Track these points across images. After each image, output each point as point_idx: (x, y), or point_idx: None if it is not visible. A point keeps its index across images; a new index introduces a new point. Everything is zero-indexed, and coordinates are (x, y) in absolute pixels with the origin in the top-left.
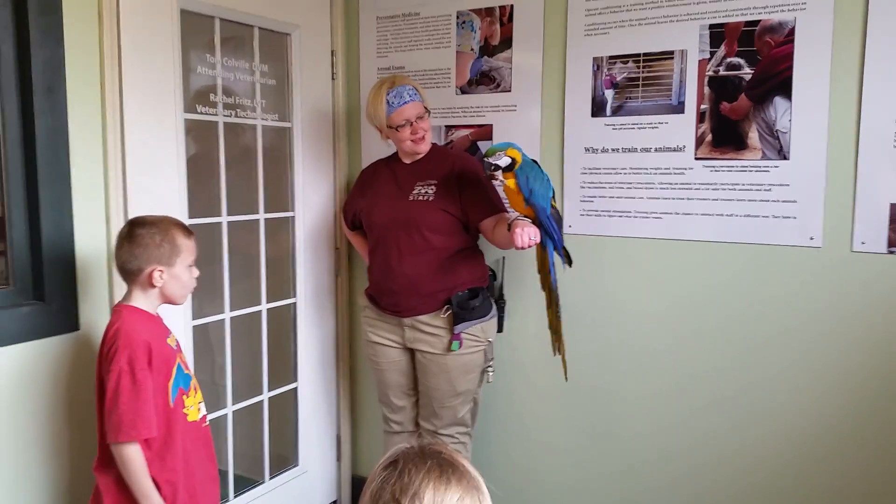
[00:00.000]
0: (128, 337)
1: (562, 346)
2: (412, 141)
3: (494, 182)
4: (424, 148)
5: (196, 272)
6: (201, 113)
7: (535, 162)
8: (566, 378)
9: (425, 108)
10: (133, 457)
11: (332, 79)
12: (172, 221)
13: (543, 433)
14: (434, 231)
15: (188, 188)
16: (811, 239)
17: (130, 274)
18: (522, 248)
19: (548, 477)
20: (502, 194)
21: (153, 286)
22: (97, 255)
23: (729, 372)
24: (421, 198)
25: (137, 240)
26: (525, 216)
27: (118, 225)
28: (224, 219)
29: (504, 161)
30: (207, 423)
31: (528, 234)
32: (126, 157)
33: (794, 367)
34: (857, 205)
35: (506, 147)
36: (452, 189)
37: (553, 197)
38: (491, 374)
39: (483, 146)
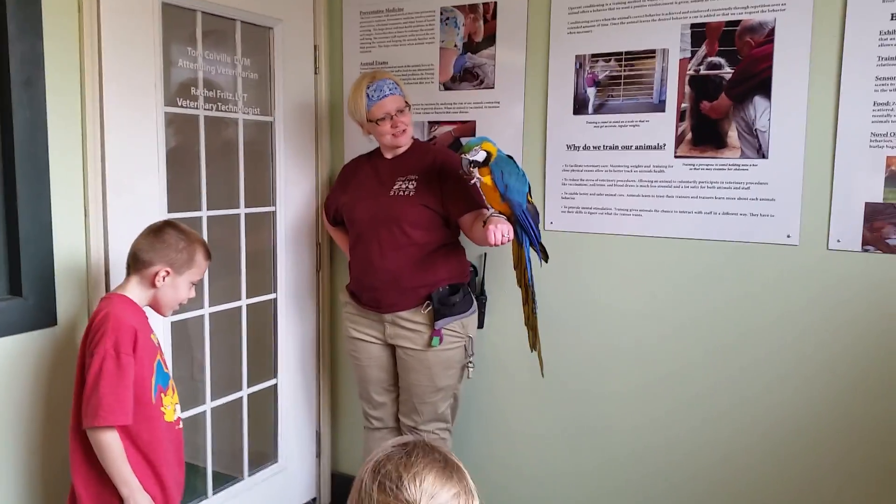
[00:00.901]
0: (117, 321)
1: (538, 342)
2: (392, 135)
3: (473, 182)
4: (405, 141)
5: (192, 294)
6: (182, 107)
7: (510, 157)
8: (542, 374)
9: (406, 102)
10: (110, 443)
11: (315, 73)
12: (200, 240)
13: (524, 428)
14: (415, 226)
15: (168, 182)
16: (788, 237)
17: (138, 264)
18: (496, 245)
19: (529, 472)
20: (481, 192)
21: (154, 286)
22: (75, 249)
23: (706, 368)
24: (402, 193)
25: (163, 237)
26: (501, 212)
27: (97, 218)
28: (204, 213)
29: (481, 156)
30: (181, 425)
31: (501, 231)
32: (105, 150)
33: (771, 362)
34: (833, 203)
35: (480, 141)
36: (434, 184)
37: (529, 192)
38: (471, 369)
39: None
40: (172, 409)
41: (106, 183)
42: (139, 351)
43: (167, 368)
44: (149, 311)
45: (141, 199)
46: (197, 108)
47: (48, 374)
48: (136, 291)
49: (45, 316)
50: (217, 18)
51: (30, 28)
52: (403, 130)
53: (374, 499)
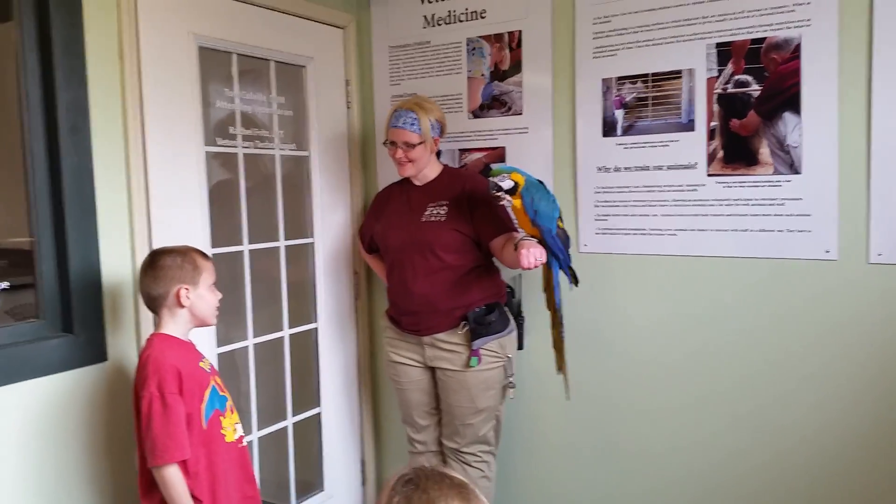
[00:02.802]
0: (157, 363)
1: (564, 365)
2: (395, 160)
3: (502, 203)
4: (407, 173)
5: (219, 294)
6: (221, 145)
7: (540, 182)
8: (567, 396)
9: (420, 139)
10: (172, 479)
11: (348, 107)
12: (190, 247)
13: (566, 450)
14: (447, 250)
15: (210, 218)
16: (827, 252)
17: (157, 300)
18: (528, 269)
19: (571, 493)
20: (512, 215)
21: (181, 306)
22: (123, 287)
23: (747, 387)
24: (433, 219)
25: (159, 264)
26: (532, 236)
27: (143, 256)
28: (245, 247)
29: (507, 184)
30: (245, 443)
31: (533, 254)
32: (149, 190)
33: (813, 380)
34: (871, 216)
35: (510, 171)
36: (464, 209)
37: (560, 217)
38: (511, 390)
39: None
40: (233, 430)
41: (151, 222)
42: (186, 387)
43: (224, 391)
44: (199, 334)
45: (185, 236)
46: (235, 146)
47: (100, 409)
48: (171, 325)
49: (95, 352)
50: (251, 59)
51: (75, 77)
52: (402, 164)
53: None
